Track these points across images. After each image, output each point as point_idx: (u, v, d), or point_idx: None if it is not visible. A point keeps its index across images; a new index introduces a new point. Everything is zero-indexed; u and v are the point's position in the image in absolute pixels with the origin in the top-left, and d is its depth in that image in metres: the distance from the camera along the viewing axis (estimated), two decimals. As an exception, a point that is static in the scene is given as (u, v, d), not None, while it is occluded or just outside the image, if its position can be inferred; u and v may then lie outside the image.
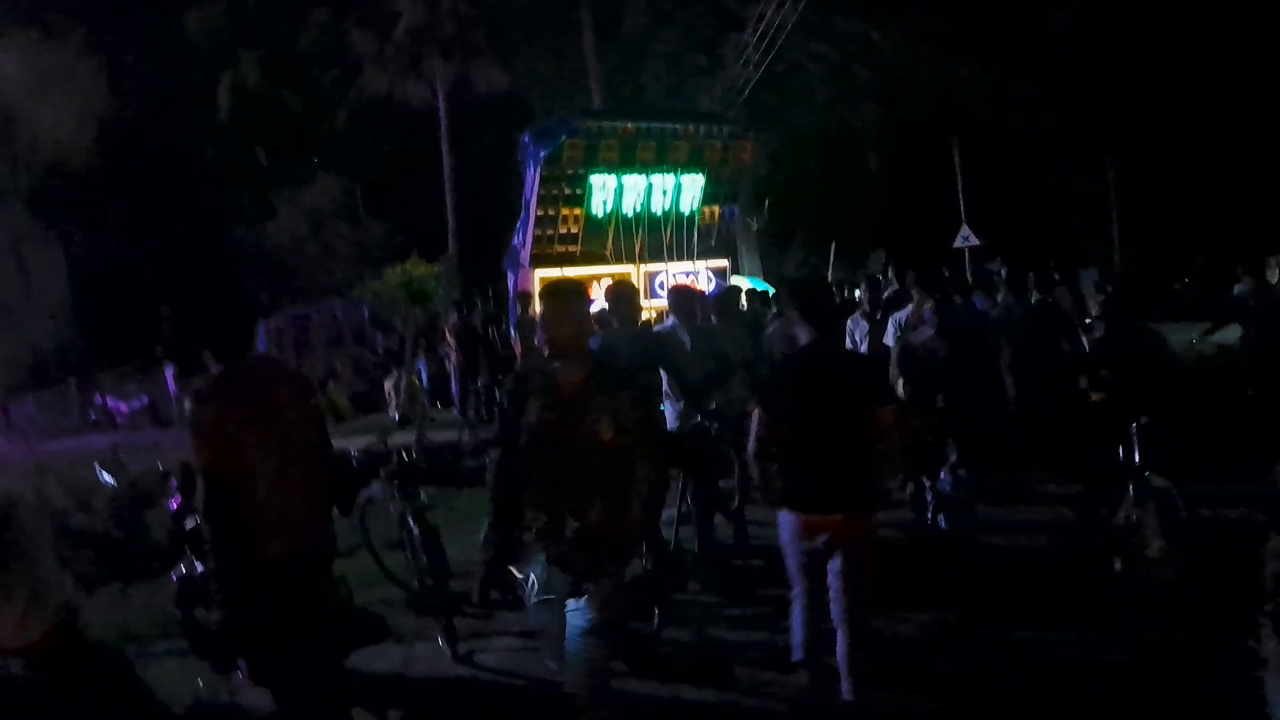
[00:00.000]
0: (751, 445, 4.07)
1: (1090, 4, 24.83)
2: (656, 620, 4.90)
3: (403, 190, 26.75)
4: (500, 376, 12.15)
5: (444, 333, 12.45)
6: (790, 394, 4.00)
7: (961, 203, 24.97)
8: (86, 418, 22.55)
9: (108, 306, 26.94)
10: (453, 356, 12.13)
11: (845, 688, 3.87)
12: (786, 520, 3.97)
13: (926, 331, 6.76)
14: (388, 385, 14.14)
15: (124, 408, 22.47)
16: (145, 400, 22.43)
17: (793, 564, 4.02)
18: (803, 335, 4.12)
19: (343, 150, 29.13)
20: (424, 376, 13.66)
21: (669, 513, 5.62)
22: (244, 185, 29.44)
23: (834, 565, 3.89)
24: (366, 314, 19.14)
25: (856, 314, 7.49)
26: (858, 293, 11.98)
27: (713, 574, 5.90)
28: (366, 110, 28.50)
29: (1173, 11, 24.59)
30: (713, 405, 5.88)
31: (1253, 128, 25.43)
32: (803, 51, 22.95)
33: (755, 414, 4.08)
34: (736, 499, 6.86)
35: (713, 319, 7.05)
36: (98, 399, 22.56)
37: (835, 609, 3.90)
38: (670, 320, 6.62)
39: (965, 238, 24.22)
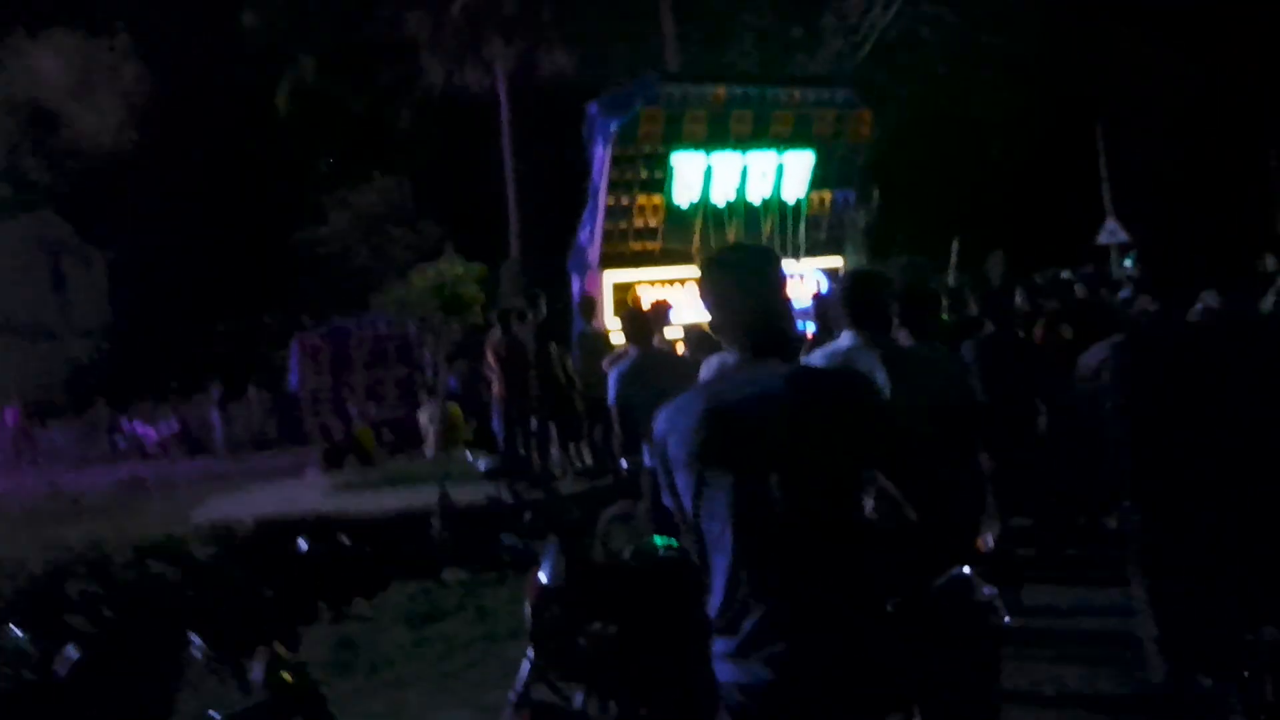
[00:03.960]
0: None
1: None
2: None
3: (462, 190, 24.24)
4: (557, 409, 9.26)
5: (484, 353, 9.53)
6: None
7: (1107, 193, 21.46)
8: (114, 444, 20.37)
9: (149, 322, 24.94)
10: (494, 384, 9.21)
11: None
12: None
13: None
14: (422, 418, 11.38)
15: (153, 434, 20.24)
16: (176, 426, 20.19)
17: None
18: None
19: (400, 149, 26.83)
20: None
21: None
22: (299, 189, 27.32)
23: None
24: (413, 328, 16.49)
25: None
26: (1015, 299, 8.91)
27: None
28: (425, 106, 26.17)
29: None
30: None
31: None
32: (917, 17, 19.73)
33: None
34: None
35: (900, 336, 3.99)
36: (125, 424, 20.35)
37: None
38: (846, 338, 3.58)
39: (1112, 233, 20.64)
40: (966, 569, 2.60)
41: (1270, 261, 9.32)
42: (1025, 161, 21.65)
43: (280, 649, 2.85)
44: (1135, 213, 20.40)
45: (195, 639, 2.91)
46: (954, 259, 18.43)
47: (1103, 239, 20.61)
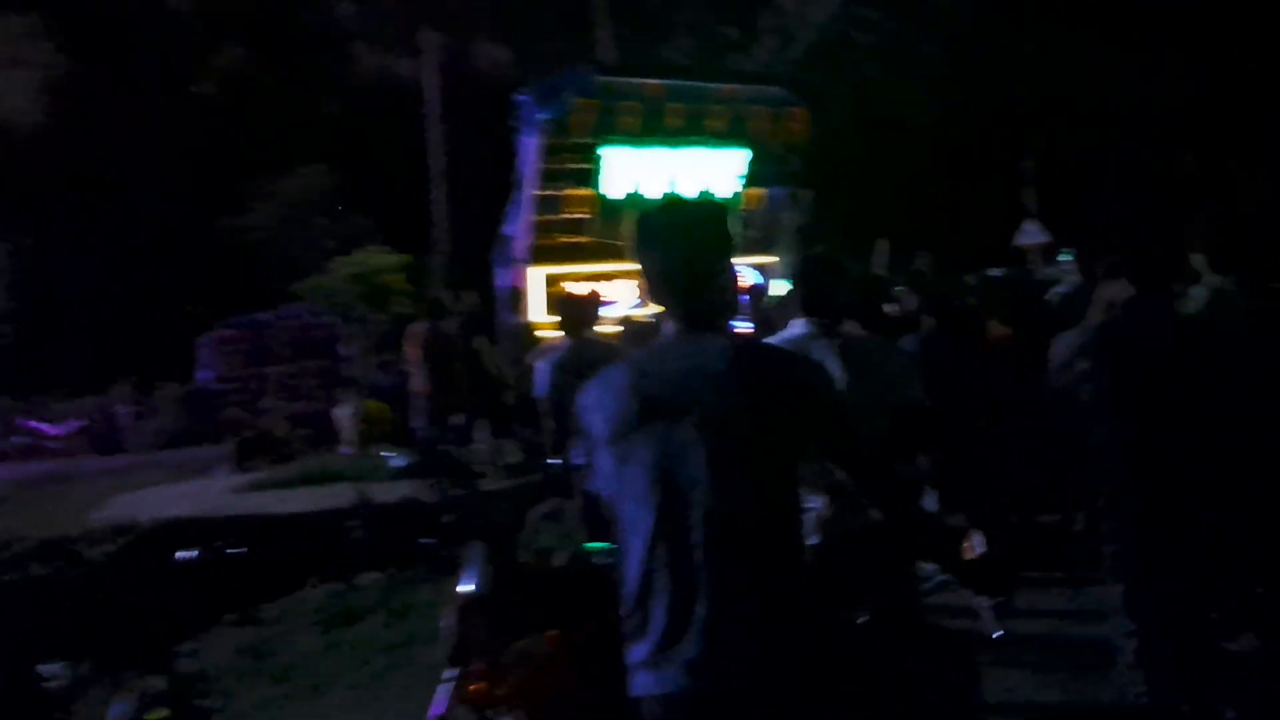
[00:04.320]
0: None
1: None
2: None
3: (390, 182, 23.61)
4: (486, 405, 8.91)
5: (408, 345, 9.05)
6: None
7: (1033, 194, 21.78)
8: (14, 440, 19.29)
9: (56, 310, 23.77)
10: (415, 378, 8.76)
11: None
12: None
13: None
14: (338, 413, 10.88)
15: (57, 429, 19.22)
16: (79, 423, 19.20)
17: None
18: None
19: (327, 138, 26.07)
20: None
21: None
22: (221, 176, 26.35)
23: None
24: (336, 319, 15.88)
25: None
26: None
27: None
28: (354, 95, 25.56)
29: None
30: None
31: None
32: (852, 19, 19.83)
33: None
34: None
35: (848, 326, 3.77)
36: (20, 422, 19.28)
37: None
38: (798, 325, 3.35)
39: (1029, 234, 20.82)
40: (943, 574, 2.37)
41: (1198, 261, 9.36)
42: (952, 164, 21.86)
43: (153, 681, 2.49)
44: (1068, 213, 20.66)
45: (49, 669, 2.53)
46: (884, 258, 18.48)
47: (1022, 240, 20.77)
